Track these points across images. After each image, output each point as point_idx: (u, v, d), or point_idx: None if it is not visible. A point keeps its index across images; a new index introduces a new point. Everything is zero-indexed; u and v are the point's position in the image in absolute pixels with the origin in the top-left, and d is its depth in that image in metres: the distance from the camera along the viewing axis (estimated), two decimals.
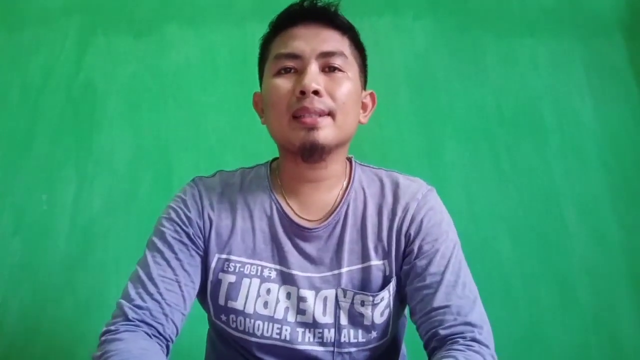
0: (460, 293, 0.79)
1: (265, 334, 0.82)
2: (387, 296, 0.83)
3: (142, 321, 0.77)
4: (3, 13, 1.65)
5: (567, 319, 1.38)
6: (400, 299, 0.86)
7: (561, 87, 1.58)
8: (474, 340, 0.76)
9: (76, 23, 1.63)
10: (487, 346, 0.76)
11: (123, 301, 0.80)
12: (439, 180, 1.46)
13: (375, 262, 0.84)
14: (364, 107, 0.90)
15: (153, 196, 1.46)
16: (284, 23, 0.87)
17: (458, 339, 0.75)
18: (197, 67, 1.60)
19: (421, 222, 0.84)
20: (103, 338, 0.76)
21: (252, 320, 0.82)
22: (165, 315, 0.79)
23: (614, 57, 1.60)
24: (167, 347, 0.80)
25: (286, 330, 0.82)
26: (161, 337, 0.78)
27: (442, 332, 0.77)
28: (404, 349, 0.99)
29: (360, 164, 0.93)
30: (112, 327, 0.77)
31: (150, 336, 0.77)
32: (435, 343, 0.78)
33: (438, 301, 0.78)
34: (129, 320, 0.77)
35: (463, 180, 1.49)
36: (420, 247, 0.83)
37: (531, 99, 1.57)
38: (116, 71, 1.59)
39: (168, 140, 1.53)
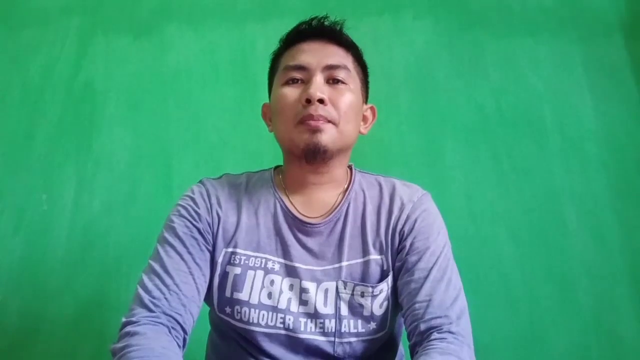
0: (444, 288, 0.84)
1: (269, 323, 0.85)
2: (385, 288, 0.87)
3: (163, 312, 0.80)
4: (3, 13, 1.65)
5: (567, 319, 1.38)
6: (397, 294, 0.89)
7: (561, 87, 1.58)
8: (449, 332, 0.79)
9: (76, 23, 1.64)
10: (462, 336, 0.80)
11: (141, 293, 0.82)
12: (439, 180, 1.48)
13: (374, 256, 0.89)
14: (364, 119, 0.98)
15: (153, 196, 1.46)
16: (293, 39, 0.94)
17: (434, 332, 0.79)
18: (197, 67, 1.60)
19: (415, 221, 0.90)
20: (125, 330, 0.78)
21: (257, 310, 0.85)
22: (184, 305, 0.82)
23: (614, 57, 1.60)
24: (184, 340, 0.82)
25: (289, 319, 0.85)
26: (179, 329, 0.81)
27: (422, 325, 0.81)
28: (401, 349, 1.00)
29: (360, 171, 0.99)
30: (134, 319, 0.79)
31: (169, 329, 0.79)
32: (415, 338, 0.81)
33: (422, 295, 0.83)
34: (149, 311, 0.80)
35: (463, 180, 1.49)
36: (412, 244, 0.88)
37: (531, 99, 1.57)
38: (116, 71, 1.59)
39: (168, 140, 1.53)
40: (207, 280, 0.87)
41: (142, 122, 1.54)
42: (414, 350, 0.81)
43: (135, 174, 1.49)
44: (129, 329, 0.77)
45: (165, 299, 0.81)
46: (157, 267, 0.84)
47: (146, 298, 0.81)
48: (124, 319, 0.80)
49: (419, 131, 1.54)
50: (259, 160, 1.47)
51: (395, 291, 0.88)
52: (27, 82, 1.58)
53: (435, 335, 0.78)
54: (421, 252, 0.87)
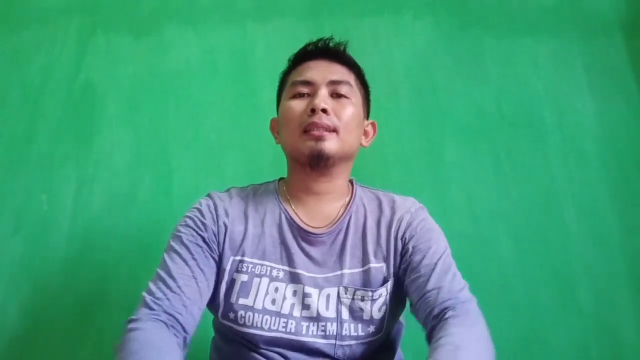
0: (451, 279, 0.88)
1: (272, 327, 0.88)
2: (384, 293, 0.91)
3: (163, 311, 0.84)
4: (3, 13, 1.65)
5: (567, 319, 1.38)
6: (397, 300, 0.93)
7: (561, 87, 1.58)
8: (462, 309, 0.83)
9: (76, 23, 1.63)
10: (475, 312, 0.85)
11: (145, 295, 0.86)
12: (439, 180, 1.48)
13: (375, 264, 0.92)
14: (366, 134, 1.05)
15: (153, 196, 1.46)
16: (301, 58, 1.02)
17: (448, 311, 0.83)
18: (197, 67, 1.60)
19: (415, 227, 0.96)
20: (128, 326, 0.82)
21: (261, 316, 0.88)
22: (185, 306, 0.85)
23: (614, 57, 1.60)
24: (185, 339, 0.85)
25: (291, 324, 0.89)
26: (180, 328, 0.84)
27: (436, 309, 0.84)
28: (400, 353, 1.02)
29: (361, 186, 1.05)
30: (135, 317, 0.83)
31: (168, 327, 0.83)
32: (431, 323, 0.84)
33: (431, 284, 0.87)
34: (150, 309, 0.84)
35: (463, 180, 1.49)
36: (415, 246, 0.93)
37: (531, 99, 1.57)
38: (116, 71, 1.59)
39: (168, 140, 1.52)
40: (210, 286, 0.91)
41: (142, 122, 1.54)
42: (430, 336, 0.83)
43: (135, 174, 1.49)
44: (130, 325, 0.82)
45: (167, 298, 0.85)
46: (162, 273, 0.89)
47: (149, 298, 0.85)
48: (129, 317, 0.84)
49: (419, 131, 1.54)
50: (259, 160, 1.48)
51: (394, 297, 0.92)
52: (27, 82, 1.58)
53: (449, 313, 0.82)
54: (424, 251, 0.92)
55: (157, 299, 0.85)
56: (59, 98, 1.56)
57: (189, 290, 0.87)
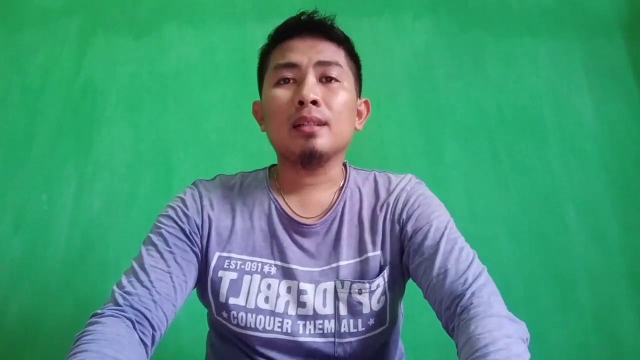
0: (457, 257, 0.81)
1: (267, 327, 0.84)
2: (382, 283, 0.86)
3: (130, 306, 0.78)
4: (3, 13, 1.65)
5: (567, 319, 1.38)
6: (396, 288, 0.88)
7: (561, 87, 1.58)
8: (470, 297, 0.76)
9: (76, 23, 1.63)
10: (481, 296, 0.77)
11: (115, 288, 0.81)
12: (439, 180, 1.48)
13: (372, 253, 0.87)
14: (359, 114, 0.95)
15: (153, 196, 1.46)
16: (282, 35, 0.90)
17: (458, 302, 0.76)
18: (197, 67, 1.60)
19: (412, 205, 0.88)
20: (89, 320, 0.77)
21: (254, 315, 0.84)
22: (154, 302, 0.79)
23: (614, 57, 1.60)
24: (153, 337, 0.79)
25: (287, 323, 0.84)
26: (147, 325, 0.78)
27: (445, 301, 0.77)
28: (401, 347, 1.00)
29: (355, 168, 0.98)
30: (99, 311, 0.78)
31: (134, 323, 0.77)
32: (445, 315, 0.78)
33: (436, 268, 0.80)
34: (117, 305, 0.78)
35: (463, 180, 1.49)
36: (414, 227, 0.86)
37: (531, 99, 1.57)
38: (116, 71, 1.59)
39: (168, 140, 1.53)
40: (189, 282, 0.85)
41: (142, 122, 1.54)
42: (448, 329, 0.78)
43: (135, 174, 1.49)
44: (92, 319, 0.76)
45: (136, 293, 0.79)
46: (135, 265, 0.83)
47: (117, 292, 0.80)
48: (92, 313, 0.78)
49: (419, 131, 1.54)
50: (259, 160, 1.46)
51: (392, 285, 0.87)
52: (27, 83, 1.58)
53: (460, 305, 0.75)
54: (425, 231, 0.84)
55: (126, 293, 0.79)
56: (59, 98, 1.56)
57: (161, 286, 0.80)
